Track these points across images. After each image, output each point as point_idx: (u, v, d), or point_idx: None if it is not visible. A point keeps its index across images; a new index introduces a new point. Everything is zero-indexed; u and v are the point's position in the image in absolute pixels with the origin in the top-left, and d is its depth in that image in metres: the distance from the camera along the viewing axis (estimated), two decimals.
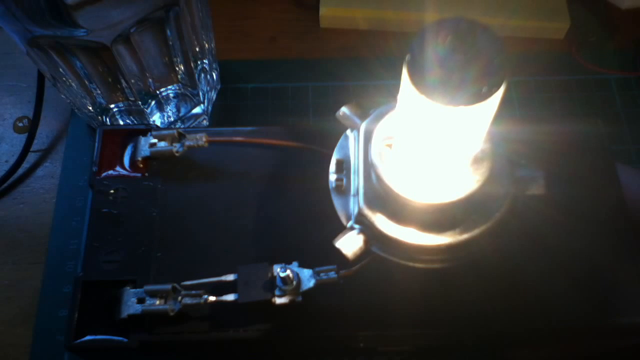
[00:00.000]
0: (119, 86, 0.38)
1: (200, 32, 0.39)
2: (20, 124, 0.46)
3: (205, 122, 0.45)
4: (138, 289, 0.25)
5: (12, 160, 0.44)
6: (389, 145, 0.23)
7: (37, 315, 0.38)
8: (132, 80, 0.38)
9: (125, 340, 0.25)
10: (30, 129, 0.44)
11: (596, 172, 0.28)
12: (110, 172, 0.28)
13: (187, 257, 0.26)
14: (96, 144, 0.29)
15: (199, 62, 0.41)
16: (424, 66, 0.18)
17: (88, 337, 0.25)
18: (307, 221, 0.27)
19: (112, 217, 0.27)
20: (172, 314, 0.24)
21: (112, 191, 0.27)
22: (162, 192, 0.28)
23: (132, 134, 0.29)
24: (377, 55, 0.48)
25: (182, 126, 0.43)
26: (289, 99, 0.46)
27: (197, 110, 0.43)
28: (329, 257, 0.24)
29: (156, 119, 0.42)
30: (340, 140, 0.26)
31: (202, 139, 0.28)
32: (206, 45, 0.41)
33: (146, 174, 0.28)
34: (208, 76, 0.43)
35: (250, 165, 0.28)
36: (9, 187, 0.44)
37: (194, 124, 0.44)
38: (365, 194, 0.23)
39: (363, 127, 0.24)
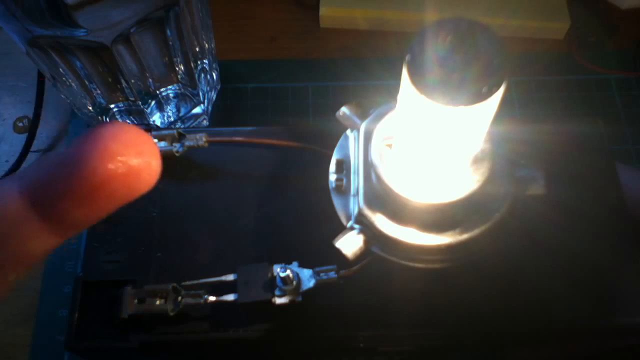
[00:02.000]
0: (119, 86, 0.38)
1: (200, 32, 0.39)
2: (20, 124, 0.46)
3: (205, 122, 0.45)
4: (138, 289, 0.25)
5: (12, 160, 0.44)
6: (389, 145, 0.23)
7: (37, 315, 0.38)
8: (132, 80, 0.38)
9: (125, 340, 0.25)
10: (30, 129, 0.44)
11: (596, 172, 0.28)
12: None
13: (187, 257, 0.26)
14: None
15: (199, 62, 0.41)
16: (424, 66, 0.18)
17: (88, 337, 0.25)
18: (307, 221, 0.27)
19: (112, 217, 0.27)
20: (172, 314, 0.24)
21: None
22: (162, 192, 0.28)
23: None
24: (377, 55, 0.47)
25: (182, 126, 0.43)
26: (289, 99, 0.46)
27: (197, 110, 0.43)
28: (329, 257, 0.24)
29: (156, 119, 0.42)
30: (340, 140, 0.26)
31: (202, 139, 0.28)
32: (206, 45, 0.41)
33: None
34: (208, 76, 0.43)
35: (250, 165, 0.28)
36: None
37: (194, 124, 0.44)
38: (365, 194, 0.23)
39: (363, 127, 0.24)
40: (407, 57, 0.18)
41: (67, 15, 0.31)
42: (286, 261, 0.24)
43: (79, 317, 0.25)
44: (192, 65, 0.40)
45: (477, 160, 0.22)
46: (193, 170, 0.28)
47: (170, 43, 0.37)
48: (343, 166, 0.25)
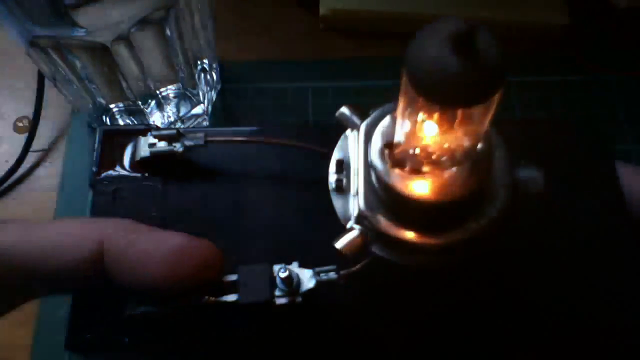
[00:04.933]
0: (119, 86, 0.38)
1: (200, 32, 0.39)
2: (20, 124, 0.46)
3: (205, 122, 0.45)
4: None
5: (12, 160, 0.44)
6: (389, 145, 0.23)
7: (38, 316, 0.38)
8: (132, 80, 0.38)
9: (126, 340, 0.25)
10: (30, 129, 0.44)
11: (596, 172, 0.28)
12: (110, 172, 0.28)
13: None
14: (96, 144, 0.29)
15: (199, 62, 0.41)
16: (423, 66, 0.18)
17: (88, 337, 0.25)
18: (307, 221, 0.27)
19: (112, 217, 0.27)
20: (171, 314, 0.24)
21: (112, 191, 0.27)
22: (162, 192, 0.28)
23: (132, 134, 0.29)
24: (377, 55, 0.48)
25: (182, 126, 0.43)
26: (289, 99, 0.46)
27: (197, 110, 0.44)
28: (329, 257, 0.24)
29: (156, 119, 0.42)
30: (340, 140, 0.26)
31: (201, 138, 0.28)
32: (206, 45, 0.41)
33: (146, 174, 0.28)
34: (208, 76, 0.43)
35: (250, 165, 0.28)
36: (9, 187, 0.44)
37: (194, 124, 0.44)
38: (365, 194, 0.23)
39: (363, 127, 0.24)
40: (407, 57, 0.18)
41: (67, 15, 0.31)
42: (286, 261, 0.24)
43: (78, 317, 0.25)
44: (192, 65, 0.40)
45: (476, 160, 0.22)
46: (193, 170, 0.28)
47: (170, 43, 0.37)
48: (343, 166, 0.25)
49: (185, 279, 0.22)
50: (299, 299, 0.24)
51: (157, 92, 0.41)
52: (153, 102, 0.41)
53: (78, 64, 0.36)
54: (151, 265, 0.22)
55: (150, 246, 0.22)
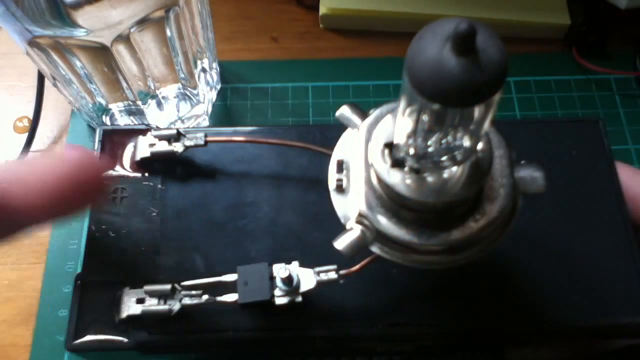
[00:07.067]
0: (119, 86, 0.38)
1: (200, 32, 0.39)
2: (20, 124, 0.46)
3: (205, 122, 0.45)
4: (138, 289, 0.25)
5: None
6: (389, 145, 0.23)
7: (37, 315, 0.38)
8: (132, 80, 0.38)
9: (125, 340, 0.25)
10: (30, 129, 0.44)
11: (596, 172, 0.28)
12: (110, 172, 0.28)
13: (187, 257, 0.26)
14: (96, 144, 0.29)
15: (199, 62, 0.41)
16: (423, 66, 0.18)
17: (88, 337, 0.25)
18: (307, 221, 0.27)
19: (112, 217, 0.27)
20: (171, 314, 0.24)
21: (112, 191, 0.28)
22: (162, 192, 0.28)
23: (132, 134, 0.29)
24: (377, 55, 0.48)
25: (182, 126, 0.43)
26: (289, 99, 0.46)
27: (197, 110, 0.44)
28: (329, 257, 0.24)
29: (156, 119, 0.42)
30: (340, 140, 0.26)
31: (201, 138, 0.28)
32: (206, 45, 0.41)
33: (146, 174, 0.28)
34: (208, 76, 0.43)
35: (250, 165, 0.28)
36: None
37: (194, 124, 0.44)
38: (365, 194, 0.23)
39: (363, 127, 0.24)
40: (407, 57, 0.18)
41: (67, 15, 0.31)
42: (286, 261, 0.24)
43: (78, 317, 0.25)
44: (192, 65, 0.40)
45: (477, 160, 0.22)
46: (193, 170, 0.28)
47: (170, 43, 0.37)
48: (343, 166, 0.25)
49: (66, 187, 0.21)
50: (299, 299, 0.24)
51: (157, 92, 0.41)
52: (153, 102, 0.41)
53: (78, 64, 0.35)
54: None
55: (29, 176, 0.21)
